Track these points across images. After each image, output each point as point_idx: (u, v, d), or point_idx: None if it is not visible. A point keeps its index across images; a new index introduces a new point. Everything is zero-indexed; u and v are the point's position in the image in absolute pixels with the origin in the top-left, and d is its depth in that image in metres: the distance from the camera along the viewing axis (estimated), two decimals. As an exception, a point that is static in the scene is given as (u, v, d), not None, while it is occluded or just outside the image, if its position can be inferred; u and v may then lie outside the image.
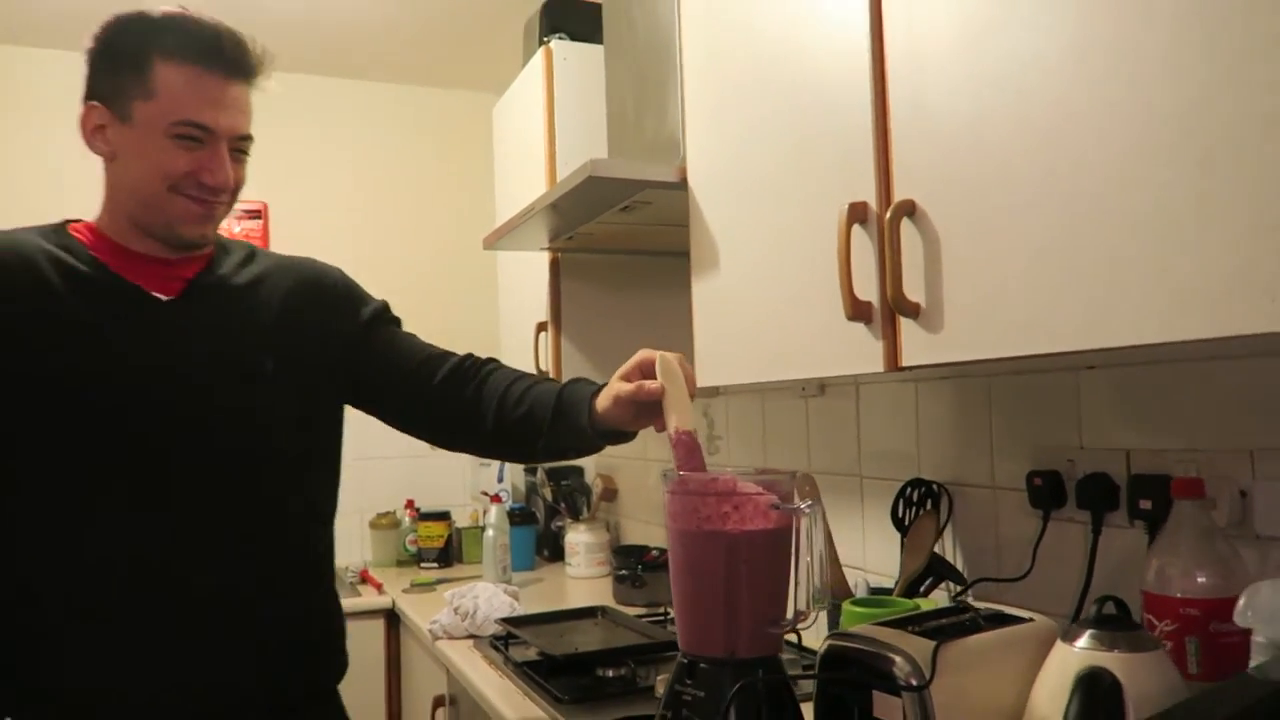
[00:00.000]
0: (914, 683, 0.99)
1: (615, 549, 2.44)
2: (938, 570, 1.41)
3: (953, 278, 0.96)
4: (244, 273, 1.23)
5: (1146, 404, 1.18)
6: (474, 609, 1.99)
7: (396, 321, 1.35)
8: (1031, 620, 1.11)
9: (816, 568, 1.04)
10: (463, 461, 3.20)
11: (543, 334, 2.14)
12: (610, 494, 2.83)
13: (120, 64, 1.10)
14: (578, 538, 2.71)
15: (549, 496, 2.97)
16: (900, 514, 1.49)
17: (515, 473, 3.17)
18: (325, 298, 1.28)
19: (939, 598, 1.44)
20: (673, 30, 1.67)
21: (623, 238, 1.96)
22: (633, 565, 2.28)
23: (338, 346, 1.26)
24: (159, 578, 1.10)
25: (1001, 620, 1.11)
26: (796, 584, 1.04)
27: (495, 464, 3.08)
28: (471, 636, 1.97)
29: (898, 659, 1.02)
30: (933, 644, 1.02)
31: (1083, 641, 0.94)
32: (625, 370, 1.11)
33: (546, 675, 1.61)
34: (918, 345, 1.01)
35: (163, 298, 1.15)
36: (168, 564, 1.10)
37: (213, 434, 1.13)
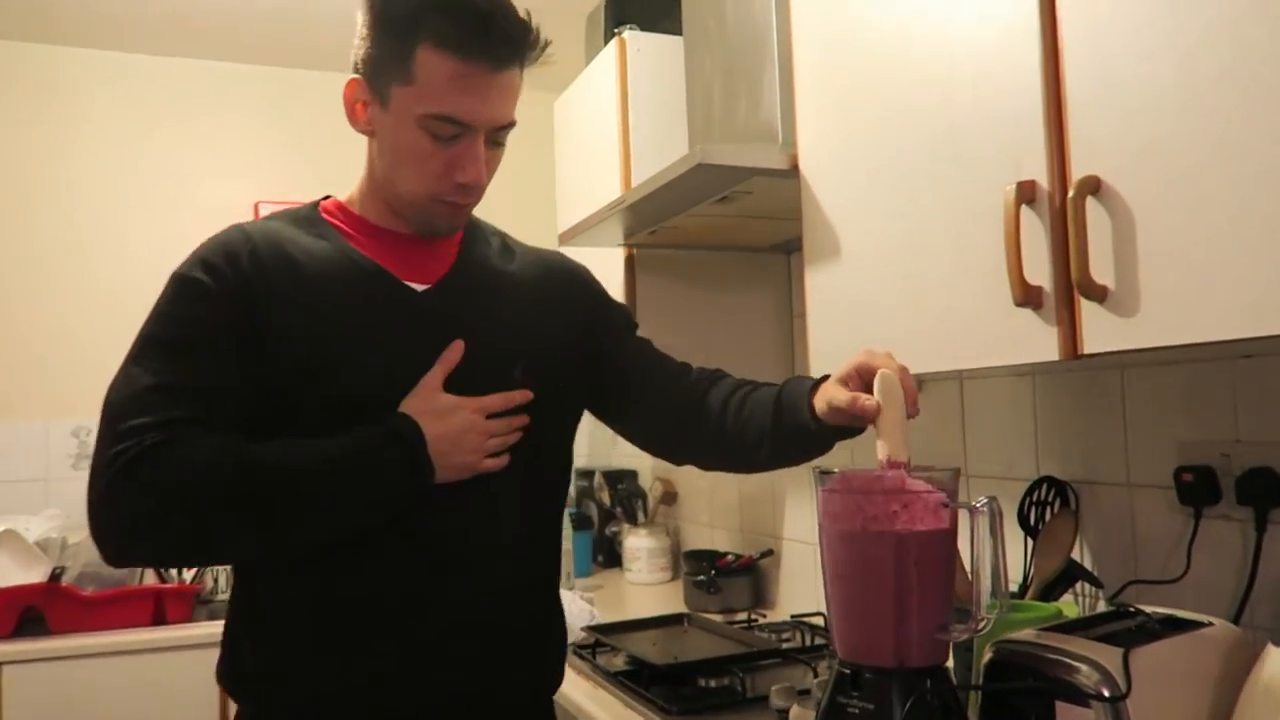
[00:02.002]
0: (1106, 693, 0.93)
1: (685, 554, 2.37)
2: (1071, 573, 1.35)
3: (1152, 258, 0.89)
4: (499, 265, 1.19)
5: (1317, 395, 1.12)
6: (553, 616, 1.93)
7: (637, 327, 1.30)
8: (1211, 624, 1.05)
9: (990, 569, 0.98)
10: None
11: (618, 332, 2.08)
12: (670, 497, 2.77)
13: (385, 41, 1.03)
14: (638, 543, 2.65)
15: (605, 501, 2.90)
16: (1026, 514, 1.43)
17: (567, 477, 3.11)
18: (575, 297, 1.24)
19: (1067, 602, 1.38)
20: (769, 16, 1.62)
21: (707, 232, 1.90)
22: (707, 571, 2.22)
23: (584, 354, 1.20)
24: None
25: (1177, 624, 1.05)
26: (974, 588, 0.98)
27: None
28: (551, 645, 1.91)
29: (1083, 666, 0.96)
30: (1120, 650, 0.96)
31: (1302, 646, 0.87)
32: (843, 373, 1.01)
33: (646, 685, 1.55)
34: (1104, 330, 0.95)
35: (418, 288, 1.11)
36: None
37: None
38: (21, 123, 2.85)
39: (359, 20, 1.06)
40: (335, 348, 1.05)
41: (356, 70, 1.07)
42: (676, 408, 1.21)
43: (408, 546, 1.06)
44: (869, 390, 0.99)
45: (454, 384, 1.07)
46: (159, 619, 2.25)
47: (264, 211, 2.96)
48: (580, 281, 1.27)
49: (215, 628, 2.19)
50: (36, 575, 2.20)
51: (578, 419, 1.24)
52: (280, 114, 3.10)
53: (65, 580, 2.18)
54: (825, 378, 1.05)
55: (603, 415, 1.27)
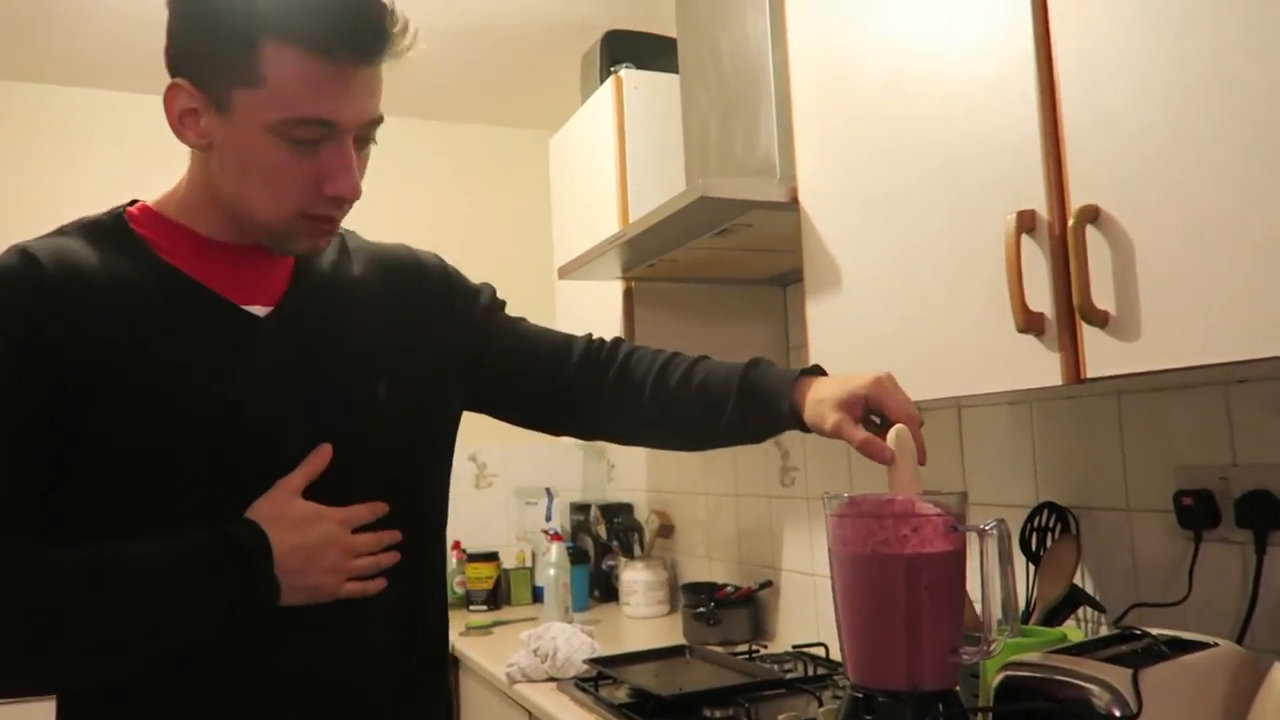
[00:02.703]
0: (1118, 713, 0.94)
1: (683, 586, 2.37)
2: (1074, 599, 1.36)
3: (1152, 283, 0.92)
4: (342, 273, 1.03)
5: (1312, 417, 1.14)
6: (554, 650, 1.92)
7: (504, 305, 1.17)
8: (1216, 645, 1.06)
9: (1000, 592, 0.99)
10: (506, 500, 3.14)
11: (616, 365, 2.09)
12: (667, 530, 2.77)
13: (218, 36, 0.85)
14: (635, 576, 2.64)
15: (602, 535, 2.90)
16: (1028, 540, 1.44)
17: (563, 511, 3.11)
18: (430, 293, 1.09)
19: (1070, 627, 1.39)
20: (765, 53, 1.65)
21: (705, 265, 1.93)
22: (706, 603, 2.21)
23: (452, 351, 1.08)
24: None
25: (1183, 646, 1.06)
26: (984, 610, 0.99)
27: (542, 503, 3.03)
28: (553, 679, 1.90)
29: (1094, 688, 0.97)
30: (1129, 671, 0.97)
31: (1309, 664, 0.89)
32: (843, 398, 0.95)
33: (650, 716, 1.54)
34: (1107, 355, 0.97)
35: (258, 313, 0.94)
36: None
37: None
38: (13, 161, 2.86)
39: (168, 15, 0.89)
40: (168, 393, 0.87)
41: (175, 72, 0.88)
42: (571, 384, 1.11)
43: (262, 674, 0.90)
44: (867, 420, 0.99)
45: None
46: None
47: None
48: (431, 273, 1.11)
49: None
50: None
51: (456, 427, 1.11)
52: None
53: None
54: (812, 370, 1.03)
55: (489, 409, 1.15)
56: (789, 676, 1.73)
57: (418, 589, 1.03)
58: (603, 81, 2.23)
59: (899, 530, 1.00)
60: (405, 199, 3.13)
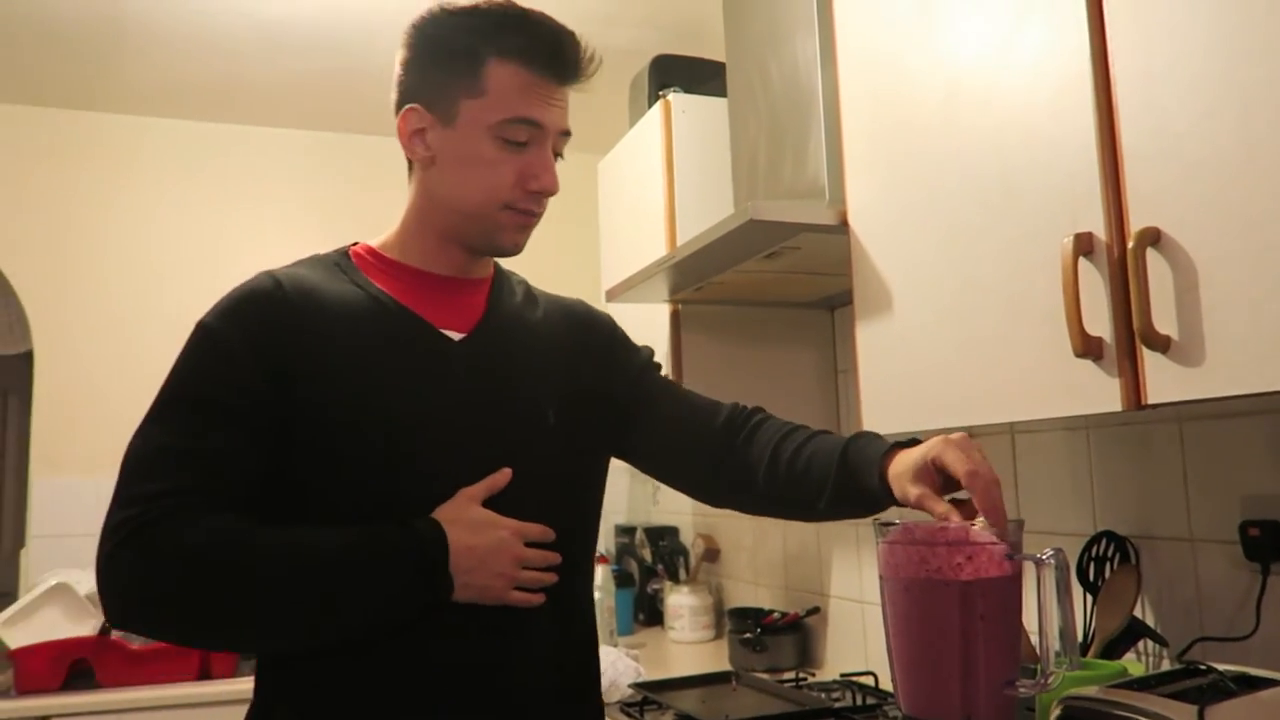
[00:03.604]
0: (1182, 751, 0.91)
1: (729, 612, 2.35)
2: (1134, 631, 1.32)
3: (1216, 307, 0.90)
4: (528, 311, 1.17)
5: (1386, 447, 1.10)
6: (599, 674, 1.91)
7: (660, 367, 1.27)
8: (1287, 682, 1.02)
9: (1058, 623, 0.97)
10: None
11: (663, 387, 2.09)
12: (713, 554, 2.75)
13: (449, 63, 1.04)
14: (680, 600, 2.63)
15: (647, 558, 2.89)
16: (1085, 570, 1.41)
17: (608, 534, 3.10)
18: (598, 346, 1.21)
19: (1131, 661, 1.35)
20: (814, 76, 1.65)
21: (752, 288, 1.92)
22: (753, 628, 2.19)
23: (611, 399, 1.18)
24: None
25: (1251, 683, 1.03)
26: (1041, 641, 0.97)
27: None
28: (598, 703, 1.89)
29: (1158, 724, 0.94)
30: (1194, 708, 0.94)
31: (1387, 704, 0.85)
32: (918, 468, 0.95)
33: (697, 743, 1.53)
34: (1169, 381, 0.94)
35: (454, 336, 1.08)
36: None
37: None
38: (67, 188, 2.94)
39: (401, 57, 1.08)
40: (374, 398, 1.01)
41: (406, 101, 1.06)
42: (710, 448, 1.16)
43: (423, 668, 1.00)
44: (941, 483, 0.95)
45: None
46: (205, 673, 2.26)
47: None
48: (601, 327, 1.24)
49: (260, 683, 2.21)
50: (87, 629, 2.22)
51: (608, 466, 1.21)
52: (322, 178, 3.18)
53: (115, 634, 2.20)
54: (898, 445, 1.01)
55: (632, 459, 1.23)
56: (837, 705, 1.70)
57: (568, 609, 1.09)
58: (651, 106, 2.24)
59: (953, 558, 0.97)
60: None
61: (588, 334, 1.21)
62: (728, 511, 2.67)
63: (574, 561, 1.10)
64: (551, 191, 1.07)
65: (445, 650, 1.00)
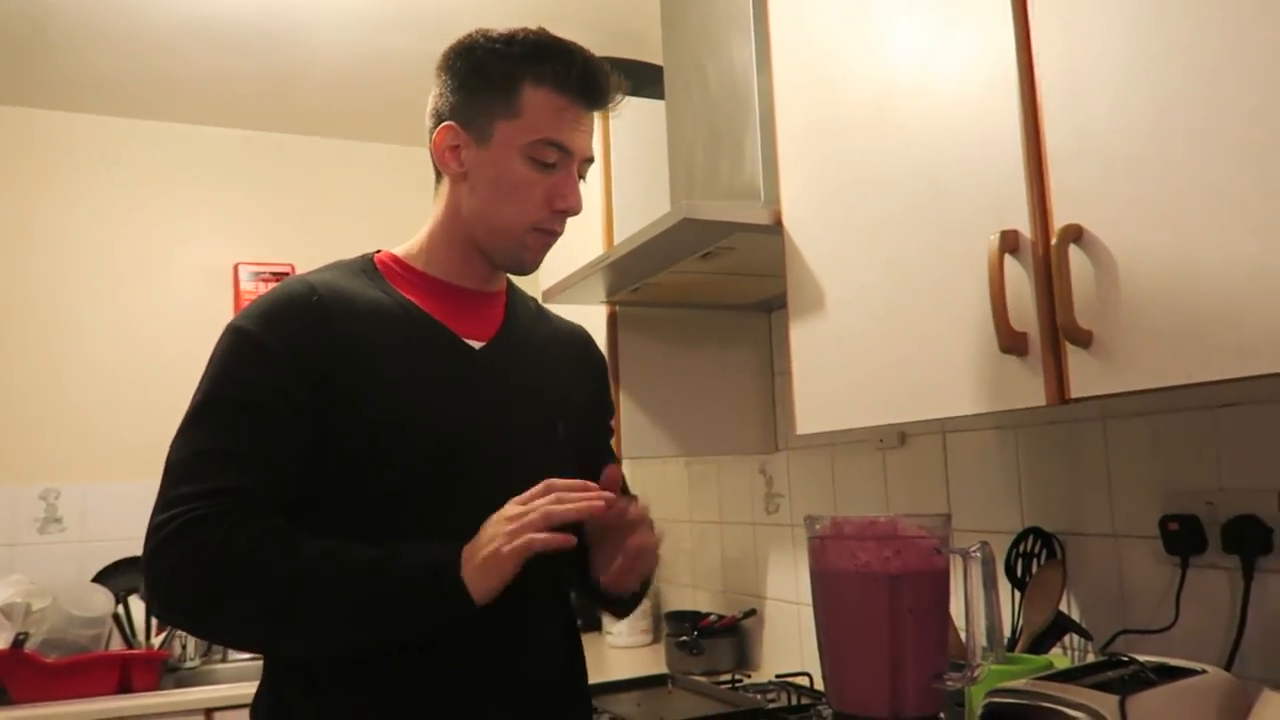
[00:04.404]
0: (1105, 739, 0.92)
1: (667, 615, 2.34)
2: (1060, 625, 1.34)
3: (1136, 303, 0.91)
4: (539, 326, 1.24)
5: (1297, 442, 1.14)
6: (534, 679, 1.89)
7: (612, 433, 1.35)
8: (1205, 671, 1.04)
9: (985, 618, 0.98)
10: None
11: (600, 390, 2.07)
12: (651, 559, 2.74)
13: (487, 85, 1.10)
14: (619, 605, 2.61)
15: (585, 563, 2.86)
16: (1013, 566, 1.43)
17: (546, 539, 3.07)
18: (593, 370, 1.30)
19: (1057, 654, 1.37)
20: (750, 79, 1.66)
21: (689, 289, 1.92)
22: (690, 631, 2.19)
23: (592, 421, 1.26)
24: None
25: (1171, 673, 1.05)
26: (968, 635, 0.97)
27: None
28: (533, 709, 1.86)
29: (1081, 715, 0.95)
30: (1115, 698, 0.96)
31: (1299, 689, 0.87)
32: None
33: (631, 747, 1.51)
34: (1091, 376, 0.96)
35: (475, 344, 1.13)
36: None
37: (513, 492, 1.02)
38: (1, 186, 2.84)
39: (442, 80, 1.13)
40: (407, 402, 1.05)
41: (443, 118, 1.12)
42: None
43: (437, 674, 1.04)
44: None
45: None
46: (125, 687, 2.18)
47: (244, 274, 2.97)
48: (596, 354, 1.33)
49: (184, 696, 2.14)
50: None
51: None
52: (261, 176, 3.11)
53: (28, 647, 2.11)
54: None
55: None
56: (772, 706, 1.70)
57: (566, 603, 1.20)
58: (589, 107, 2.23)
59: (882, 552, 0.98)
60: (388, 222, 3.12)
61: (586, 355, 1.30)
62: (666, 515, 2.68)
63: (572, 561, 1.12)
64: (575, 211, 1.13)
65: (459, 640, 1.03)
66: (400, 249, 1.18)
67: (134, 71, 2.66)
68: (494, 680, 1.06)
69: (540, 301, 1.31)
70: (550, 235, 1.14)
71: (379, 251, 1.18)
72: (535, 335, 1.22)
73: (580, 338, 1.31)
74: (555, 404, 1.18)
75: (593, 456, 1.20)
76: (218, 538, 0.93)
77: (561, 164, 1.10)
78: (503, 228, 1.11)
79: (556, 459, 1.13)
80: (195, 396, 1.02)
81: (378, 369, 1.05)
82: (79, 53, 2.53)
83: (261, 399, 1.00)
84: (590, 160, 1.15)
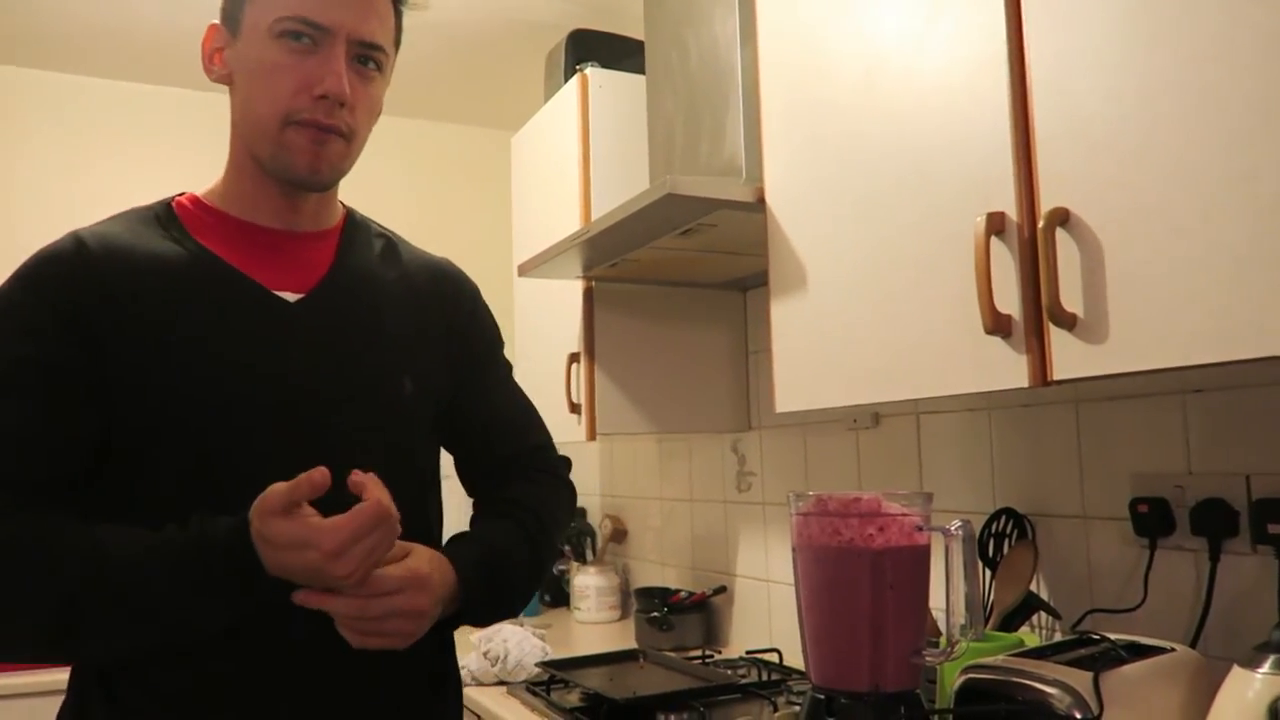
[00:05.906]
0: (1079, 715, 0.94)
1: (637, 591, 2.35)
2: (1030, 604, 1.37)
3: (1121, 286, 0.92)
4: (381, 270, 1.09)
5: (1266, 427, 1.16)
6: (504, 653, 1.89)
7: (509, 368, 1.24)
8: (1174, 650, 1.07)
9: (964, 595, 0.99)
10: (461, 503, 3.08)
11: (575, 365, 2.07)
12: (620, 535, 2.75)
13: None
14: (587, 581, 2.62)
15: (554, 539, 2.86)
16: (985, 546, 1.45)
17: (514, 515, 3.06)
18: (456, 307, 1.15)
19: (1026, 633, 1.39)
20: (734, 54, 1.65)
21: (666, 266, 1.91)
22: (660, 608, 2.20)
23: (455, 372, 1.13)
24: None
25: (1141, 650, 1.07)
26: (948, 611, 0.99)
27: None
28: (503, 683, 1.87)
29: (1056, 690, 0.97)
30: (1089, 674, 0.97)
31: (1266, 668, 0.89)
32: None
33: (603, 721, 1.52)
34: (1074, 357, 0.97)
35: (289, 297, 1.00)
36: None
37: (342, 466, 0.89)
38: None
39: None
40: (197, 365, 0.93)
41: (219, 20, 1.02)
42: (477, 468, 1.19)
43: (263, 646, 0.93)
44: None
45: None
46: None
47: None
48: (465, 293, 1.18)
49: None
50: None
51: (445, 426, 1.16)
52: (217, 137, 3.04)
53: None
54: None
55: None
56: (743, 682, 1.72)
57: None
58: (567, 80, 2.21)
59: (865, 529, 0.99)
60: (362, 195, 3.07)
61: (451, 296, 1.15)
62: (636, 493, 2.69)
63: (421, 535, 1.01)
64: (340, 98, 0.96)
65: (274, 626, 0.92)
66: (203, 191, 1.05)
67: (88, 25, 2.59)
68: (301, 686, 0.95)
69: (395, 241, 1.16)
70: (317, 130, 0.97)
71: (183, 193, 1.05)
72: (377, 279, 1.07)
73: (449, 275, 1.17)
74: (399, 357, 1.04)
75: (473, 399, 1.15)
76: None
77: (323, 43, 0.96)
78: (260, 126, 0.97)
79: (399, 420, 1.03)
80: None
81: (159, 330, 0.92)
82: (32, 5, 2.45)
83: (19, 377, 0.88)
84: (369, 44, 0.98)
